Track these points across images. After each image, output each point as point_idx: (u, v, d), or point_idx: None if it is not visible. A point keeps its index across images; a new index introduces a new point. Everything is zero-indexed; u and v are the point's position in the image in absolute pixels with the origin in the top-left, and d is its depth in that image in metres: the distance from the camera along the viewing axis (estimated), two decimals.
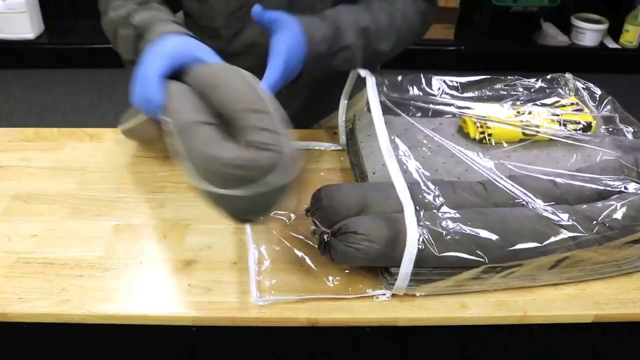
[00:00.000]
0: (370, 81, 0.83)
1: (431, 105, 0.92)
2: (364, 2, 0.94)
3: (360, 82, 0.92)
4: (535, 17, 3.05)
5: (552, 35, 3.08)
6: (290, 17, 0.83)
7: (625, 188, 0.79)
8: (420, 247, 0.69)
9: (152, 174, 0.94)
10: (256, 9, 0.79)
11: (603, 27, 3.07)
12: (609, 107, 0.97)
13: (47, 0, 3.03)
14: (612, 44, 3.13)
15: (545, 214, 0.73)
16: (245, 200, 0.65)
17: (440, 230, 0.70)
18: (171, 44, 0.76)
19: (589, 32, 3.07)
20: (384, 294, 0.73)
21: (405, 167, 0.86)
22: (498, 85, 1.01)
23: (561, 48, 3.08)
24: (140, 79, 0.74)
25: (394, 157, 0.76)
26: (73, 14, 3.14)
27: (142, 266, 0.77)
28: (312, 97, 1.08)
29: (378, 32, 0.92)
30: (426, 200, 0.76)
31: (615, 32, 3.12)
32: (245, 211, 0.68)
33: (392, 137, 0.92)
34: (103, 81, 2.88)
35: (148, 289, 0.74)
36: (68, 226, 0.83)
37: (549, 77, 1.05)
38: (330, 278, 0.76)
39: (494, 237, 0.71)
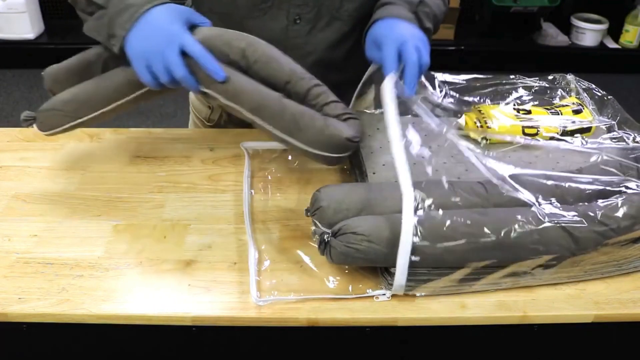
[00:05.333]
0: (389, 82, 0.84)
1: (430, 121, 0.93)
2: None
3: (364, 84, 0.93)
4: (535, 17, 3.05)
5: (552, 35, 3.08)
6: (389, 25, 0.92)
7: (626, 188, 0.79)
8: (417, 238, 0.69)
9: (152, 174, 0.94)
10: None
11: (603, 27, 3.07)
12: (609, 108, 0.97)
13: (47, 0, 3.03)
14: (612, 44, 3.13)
15: (545, 213, 0.73)
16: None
17: (438, 219, 0.70)
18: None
19: (589, 32, 3.07)
20: (384, 294, 0.73)
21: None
22: (499, 85, 1.01)
23: (561, 48, 3.09)
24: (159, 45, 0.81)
25: (402, 146, 0.76)
26: (73, 14, 3.11)
27: (142, 266, 0.77)
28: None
29: (431, 9, 0.97)
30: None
31: (615, 32, 3.12)
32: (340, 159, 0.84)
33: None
34: None
35: (148, 289, 0.74)
36: (68, 226, 0.83)
37: (550, 77, 1.05)
38: (331, 278, 0.76)
39: (493, 236, 0.71)
